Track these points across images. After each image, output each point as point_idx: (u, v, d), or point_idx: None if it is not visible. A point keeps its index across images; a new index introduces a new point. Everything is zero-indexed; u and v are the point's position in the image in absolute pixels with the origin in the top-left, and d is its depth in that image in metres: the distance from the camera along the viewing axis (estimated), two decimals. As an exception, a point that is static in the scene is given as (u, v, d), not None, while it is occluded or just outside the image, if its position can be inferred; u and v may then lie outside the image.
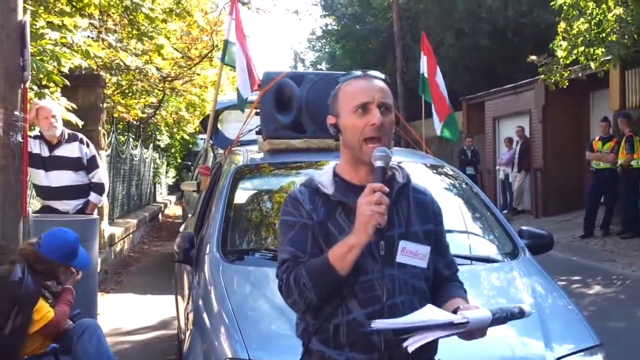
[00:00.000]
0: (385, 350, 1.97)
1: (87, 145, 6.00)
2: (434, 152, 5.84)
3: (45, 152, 5.84)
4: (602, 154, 11.34)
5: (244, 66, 5.29)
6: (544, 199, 15.20)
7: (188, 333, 3.47)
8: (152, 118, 16.82)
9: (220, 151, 6.39)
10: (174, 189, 24.28)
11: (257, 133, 4.65)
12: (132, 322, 6.76)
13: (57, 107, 5.95)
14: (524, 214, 15.59)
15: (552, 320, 3.07)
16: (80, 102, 7.88)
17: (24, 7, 5.20)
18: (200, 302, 3.35)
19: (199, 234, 4.12)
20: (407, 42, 23.00)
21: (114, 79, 11.61)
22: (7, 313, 3.83)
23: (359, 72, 2.13)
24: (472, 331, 1.88)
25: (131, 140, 13.91)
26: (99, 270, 6.65)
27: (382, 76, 2.13)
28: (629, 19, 10.17)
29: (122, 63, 10.69)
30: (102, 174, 6.10)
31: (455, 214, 3.87)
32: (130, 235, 11.47)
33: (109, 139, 10.39)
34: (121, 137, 13.16)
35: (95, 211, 6.10)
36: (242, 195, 4.20)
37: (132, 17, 9.57)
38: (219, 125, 6.42)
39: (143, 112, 15.30)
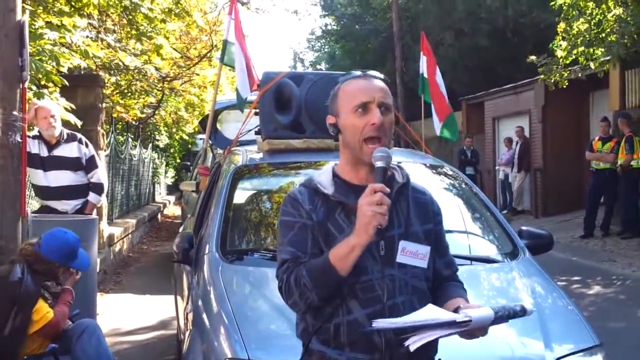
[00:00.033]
0: (386, 351, 1.97)
1: (86, 145, 5.99)
2: (434, 152, 5.83)
3: (44, 152, 5.83)
4: (602, 154, 11.34)
5: (243, 66, 5.28)
6: (544, 199, 15.20)
7: (187, 333, 3.47)
8: (151, 118, 16.82)
9: (220, 151, 6.39)
10: (173, 189, 24.28)
11: (257, 133, 4.65)
12: (132, 322, 6.75)
13: (56, 107, 5.95)
14: (523, 214, 15.59)
15: (551, 320, 3.07)
16: (79, 102, 7.87)
17: (23, 7, 5.19)
18: (200, 302, 3.34)
19: (198, 234, 4.11)
20: (407, 42, 23.02)
21: (113, 79, 11.60)
22: (6, 313, 3.83)
23: (358, 72, 2.13)
24: (473, 330, 1.87)
25: (130, 140, 13.91)
26: (98, 270, 6.64)
27: (382, 76, 2.13)
28: (628, 19, 10.17)
29: (121, 63, 10.68)
30: (101, 174, 6.10)
31: (455, 214, 3.87)
32: (130, 236, 11.46)
33: (108, 139, 10.38)
34: (120, 137, 13.16)
35: (94, 211, 6.10)
36: (241, 196, 4.19)
37: (131, 17, 9.56)
38: (218, 125, 6.41)
39: (142, 112, 15.30)
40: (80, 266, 4.29)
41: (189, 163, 22.66)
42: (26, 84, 4.96)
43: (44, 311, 3.95)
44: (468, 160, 16.17)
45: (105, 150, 9.50)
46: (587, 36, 10.97)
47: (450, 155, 17.19)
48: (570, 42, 11.28)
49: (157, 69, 11.83)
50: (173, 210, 20.47)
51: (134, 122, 15.41)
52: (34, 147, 5.75)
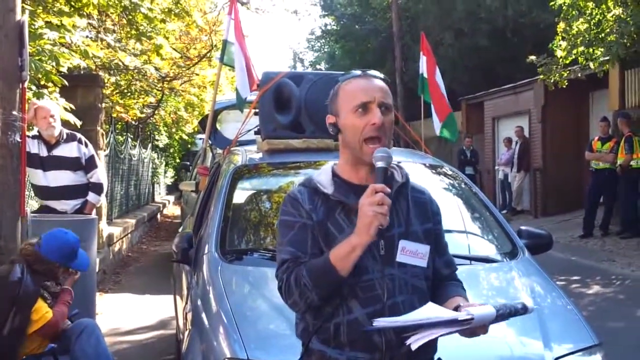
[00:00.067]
0: (386, 351, 1.97)
1: (86, 145, 5.99)
2: (433, 152, 5.83)
3: (44, 152, 5.83)
4: (602, 154, 11.34)
5: (243, 66, 5.28)
6: (543, 199, 15.20)
7: (187, 333, 3.47)
8: (151, 118, 16.81)
9: (219, 151, 6.39)
10: (172, 189, 24.27)
11: (256, 133, 4.65)
12: (131, 322, 6.75)
13: (55, 107, 5.95)
14: (523, 214, 15.59)
15: (551, 320, 3.07)
16: (79, 102, 7.88)
17: (23, 7, 5.19)
18: (199, 302, 3.34)
19: (198, 234, 4.11)
20: (407, 42, 23.03)
21: (113, 79, 11.60)
22: (5, 313, 3.83)
23: (358, 72, 2.12)
24: (474, 328, 1.87)
25: (130, 140, 13.91)
26: (97, 270, 6.64)
27: (382, 75, 2.13)
28: (628, 19, 10.17)
29: (120, 63, 10.68)
30: (100, 174, 6.10)
31: (454, 214, 3.87)
32: (129, 235, 11.46)
33: (108, 139, 10.38)
34: (120, 137, 13.16)
35: (94, 211, 6.10)
36: (240, 195, 4.19)
37: (130, 17, 9.56)
38: (217, 125, 6.41)
39: (142, 112, 15.29)
40: (79, 266, 4.29)
41: (188, 163, 22.64)
42: (26, 84, 4.96)
43: (43, 311, 3.96)
44: (467, 160, 16.17)
45: (104, 150, 9.50)
46: (587, 36, 10.97)
47: (449, 155, 17.19)
48: (569, 42, 11.29)
49: (156, 68, 11.82)
50: (172, 210, 20.47)
51: (133, 122, 15.40)
52: (34, 147, 5.75)
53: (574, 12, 11.33)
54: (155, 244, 12.98)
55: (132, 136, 14.80)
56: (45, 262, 4.09)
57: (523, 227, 4.07)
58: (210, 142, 6.07)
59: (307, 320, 2.04)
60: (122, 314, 7.07)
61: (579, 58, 11.31)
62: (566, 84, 12.15)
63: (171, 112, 17.14)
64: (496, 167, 16.95)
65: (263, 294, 3.15)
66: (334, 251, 1.92)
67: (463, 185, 4.34)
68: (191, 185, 8.95)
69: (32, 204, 6.77)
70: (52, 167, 5.84)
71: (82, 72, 9.29)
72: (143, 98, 14.47)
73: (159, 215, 17.29)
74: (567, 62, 11.59)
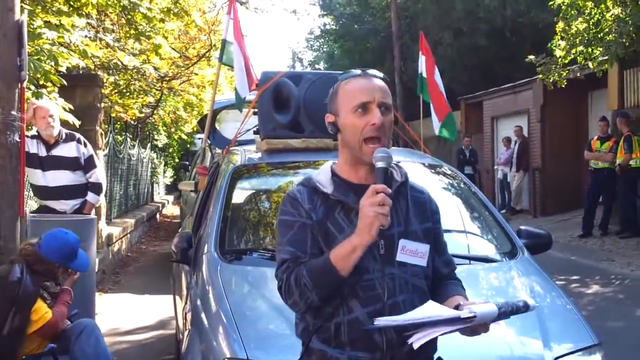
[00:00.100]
0: (387, 350, 1.97)
1: (85, 145, 5.99)
2: (432, 151, 5.83)
3: (43, 152, 5.83)
4: (601, 154, 11.34)
5: (242, 66, 5.28)
6: (543, 199, 15.20)
7: (186, 333, 3.46)
8: (150, 118, 16.79)
9: (218, 151, 6.39)
10: (171, 188, 24.25)
11: (255, 133, 4.64)
12: (130, 322, 6.75)
13: (54, 107, 5.94)
14: (522, 214, 15.60)
15: (550, 319, 3.07)
16: (78, 102, 7.88)
17: (21, 6, 5.18)
18: (199, 302, 3.34)
19: (197, 234, 4.11)
20: (406, 41, 23.03)
21: (112, 79, 11.59)
22: (5, 313, 3.83)
23: (358, 71, 2.11)
24: (475, 327, 1.87)
25: (129, 140, 13.90)
26: (96, 270, 6.64)
27: (382, 75, 2.12)
28: (627, 18, 10.18)
29: (119, 63, 10.67)
30: (99, 174, 6.09)
31: (453, 213, 3.87)
32: (128, 235, 11.46)
33: (107, 139, 10.37)
34: (119, 136, 13.15)
35: (93, 211, 6.09)
36: (240, 195, 4.19)
37: (129, 16, 9.55)
38: (216, 125, 6.41)
39: (141, 112, 15.26)
40: (79, 267, 4.29)
41: (187, 163, 22.62)
42: (25, 84, 4.96)
43: (42, 311, 3.95)
44: (467, 159, 16.19)
45: (103, 150, 9.50)
46: (586, 36, 10.97)
47: (449, 155, 17.19)
48: (568, 41, 11.29)
49: (155, 68, 11.81)
50: (172, 210, 20.46)
51: (132, 122, 15.38)
52: (33, 147, 5.75)
53: (572, 12, 11.33)
54: (155, 243, 12.98)
55: (131, 136, 14.80)
56: (45, 263, 4.08)
57: (522, 227, 4.07)
58: (209, 141, 6.07)
59: (307, 320, 2.04)
60: (121, 314, 7.06)
61: (578, 58, 11.31)
62: (565, 83, 12.15)
63: (170, 112, 17.12)
64: (495, 167, 16.96)
65: (262, 294, 3.14)
66: (334, 251, 1.92)
67: (462, 185, 4.34)
68: (190, 185, 8.95)
69: (32, 204, 6.77)
70: (51, 167, 5.84)
71: (81, 71, 9.28)
72: (142, 98, 14.45)
73: (158, 215, 17.28)
74: (566, 61, 11.59)
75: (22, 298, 3.89)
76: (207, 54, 14.36)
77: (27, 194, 6.29)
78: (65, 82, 6.44)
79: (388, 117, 2.04)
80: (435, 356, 2.10)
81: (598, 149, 11.38)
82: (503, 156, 16.27)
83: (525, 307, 1.91)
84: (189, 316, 3.50)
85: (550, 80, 12.05)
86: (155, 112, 16.31)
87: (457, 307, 1.93)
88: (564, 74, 12.09)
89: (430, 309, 1.87)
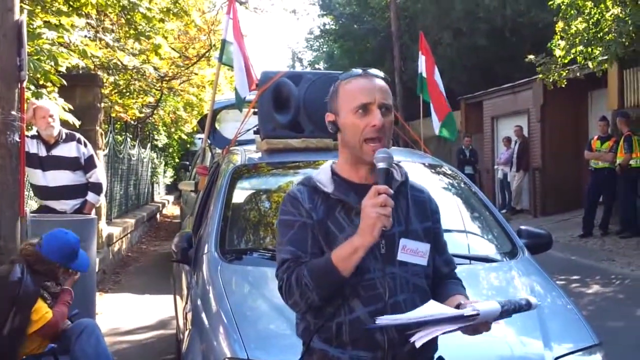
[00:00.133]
0: (388, 349, 1.96)
1: (85, 145, 5.99)
2: (433, 151, 5.83)
3: (43, 152, 5.83)
4: (601, 153, 11.34)
5: (241, 66, 5.28)
6: (543, 199, 15.20)
7: (187, 333, 3.46)
8: (150, 118, 16.79)
9: (218, 151, 6.39)
10: (171, 188, 24.25)
11: (255, 132, 4.64)
12: (131, 321, 6.75)
13: (54, 107, 5.94)
14: (522, 214, 15.60)
15: (551, 319, 3.07)
16: (78, 102, 7.88)
17: (21, 6, 5.18)
18: (199, 302, 3.34)
19: (197, 234, 4.11)
20: (405, 41, 23.03)
21: (112, 79, 11.59)
22: (5, 313, 3.83)
23: (359, 70, 2.10)
24: (477, 325, 1.87)
25: (129, 140, 13.90)
26: (97, 270, 6.63)
27: (383, 75, 2.11)
28: (626, 18, 10.18)
29: (119, 63, 10.66)
30: (99, 174, 6.09)
31: (454, 213, 3.87)
32: (128, 235, 11.46)
33: (107, 139, 10.37)
34: (119, 136, 13.15)
35: (93, 211, 6.09)
36: (240, 195, 4.19)
37: (129, 16, 9.55)
38: (216, 125, 6.41)
39: (140, 112, 15.27)
40: (79, 267, 4.28)
41: (187, 163, 22.62)
42: (24, 84, 4.96)
43: (43, 311, 3.95)
44: (467, 159, 16.19)
45: (103, 150, 9.50)
46: (586, 35, 10.97)
47: (449, 155, 17.19)
48: (568, 41, 11.29)
49: (155, 68, 11.81)
50: (172, 209, 20.46)
51: (132, 122, 15.38)
52: (33, 147, 5.75)
53: (572, 12, 11.33)
54: (155, 243, 12.98)
55: (131, 136, 14.80)
56: (45, 263, 4.08)
57: (522, 227, 4.07)
58: (209, 141, 6.07)
59: (308, 320, 2.04)
60: (122, 313, 7.06)
61: (578, 57, 11.31)
62: (565, 83, 12.15)
63: (170, 112, 17.13)
64: (495, 167, 16.96)
65: (263, 294, 3.14)
66: (335, 252, 1.92)
67: (462, 185, 4.34)
68: (190, 185, 8.94)
69: (32, 204, 6.77)
70: (51, 167, 5.84)
71: (80, 71, 9.28)
72: (142, 98, 14.45)
73: (158, 215, 17.28)
74: (566, 61, 11.59)
75: (23, 298, 3.89)
76: (206, 54, 14.36)
77: (27, 194, 6.29)
78: (65, 82, 6.45)
79: (388, 118, 2.04)
80: (436, 355, 2.09)
81: (598, 148, 11.38)
82: (503, 156, 16.27)
83: (528, 305, 1.91)
84: (189, 316, 3.50)
85: (550, 80, 12.05)
86: (155, 112, 16.31)
87: (458, 307, 1.93)
88: (564, 73, 12.09)
89: (431, 308, 1.87)
